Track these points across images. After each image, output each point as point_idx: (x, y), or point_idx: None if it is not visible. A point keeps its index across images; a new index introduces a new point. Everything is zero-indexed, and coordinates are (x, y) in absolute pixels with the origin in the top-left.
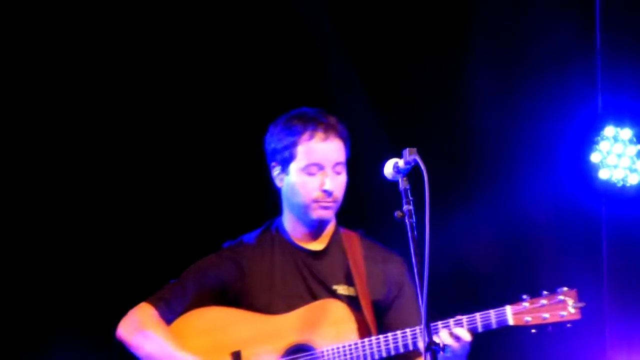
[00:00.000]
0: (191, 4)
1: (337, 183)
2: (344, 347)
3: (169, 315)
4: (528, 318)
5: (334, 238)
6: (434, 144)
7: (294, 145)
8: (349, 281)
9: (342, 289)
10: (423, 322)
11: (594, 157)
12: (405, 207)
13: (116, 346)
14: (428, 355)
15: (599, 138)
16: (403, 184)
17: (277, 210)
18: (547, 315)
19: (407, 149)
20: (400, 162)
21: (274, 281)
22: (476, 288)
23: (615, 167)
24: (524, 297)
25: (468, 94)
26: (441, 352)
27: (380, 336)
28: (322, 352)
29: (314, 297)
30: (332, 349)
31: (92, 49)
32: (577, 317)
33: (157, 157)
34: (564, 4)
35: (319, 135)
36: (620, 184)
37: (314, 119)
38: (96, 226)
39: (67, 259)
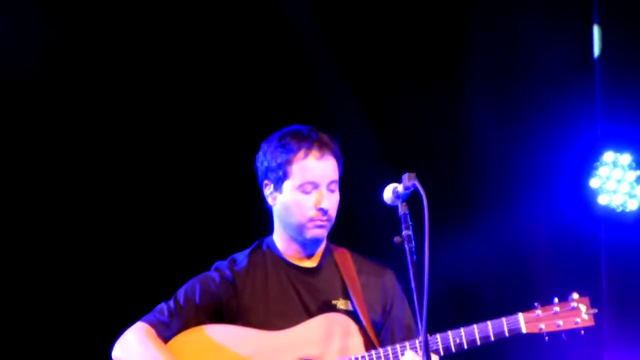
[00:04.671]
0: (184, 15)
1: (332, 201)
2: (350, 358)
3: (166, 333)
4: (542, 325)
5: (326, 255)
6: (433, 169)
7: (288, 163)
8: (346, 296)
9: (340, 304)
10: (423, 345)
11: (594, 183)
12: (404, 232)
13: None
14: None
15: (598, 163)
16: (402, 209)
17: (265, 229)
18: (561, 322)
19: (407, 174)
20: (400, 187)
21: (269, 299)
22: (475, 312)
23: (615, 192)
24: (536, 304)
25: (467, 120)
26: None
27: (389, 347)
28: None
29: (311, 314)
30: None
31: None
32: (591, 323)
33: (143, 174)
34: (563, 31)
35: (314, 153)
36: (619, 210)
37: (309, 137)
38: (84, 244)
39: (49, 283)
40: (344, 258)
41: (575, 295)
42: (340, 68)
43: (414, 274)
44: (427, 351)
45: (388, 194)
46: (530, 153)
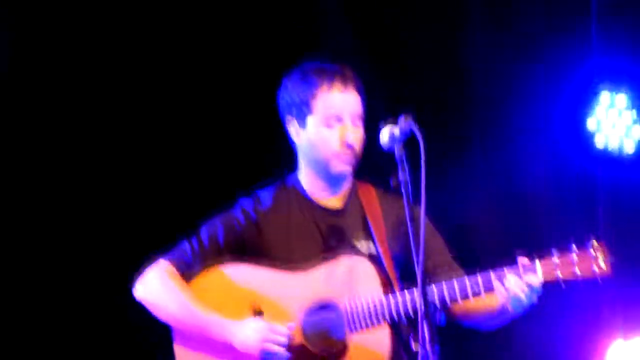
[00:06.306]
0: None
1: (357, 136)
2: (368, 303)
3: (189, 272)
4: (558, 273)
5: (352, 193)
6: (429, 108)
7: (311, 97)
8: (368, 237)
9: (362, 246)
10: (419, 289)
11: (590, 124)
12: (401, 176)
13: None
14: (425, 323)
15: (594, 105)
16: (399, 151)
17: (290, 165)
18: (577, 270)
19: (403, 115)
20: (396, 131)
21: (291, 238)
22: (473, 252)
23: (611, 133)
24: (553, 251)
25: (463, 58)
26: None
27: (406, 292)
28: (346, 308)
29: (334, 255)
30: (356, 306)
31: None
32: (608, 272)
33: (168, 108)
34: None
35: (338, 86)
36: (616, 151)
37: (332, 71)
38: (108, 184)
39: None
40: (369, 195)
41: (594, 243)
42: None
43: (410, 216)
44: (424, 298)
45: (385, 137)
46: (526, 93)
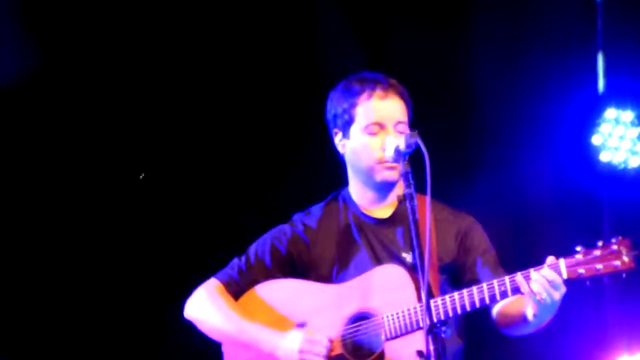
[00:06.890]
0: None
1: None
2: (403, 312)
3: (237, 289)
4: (581, 270)
5: (402, 203)
6: (435, 125)
7: (353, 106)
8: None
9: (409, 256)
10: (424, 303)
11: (595, 140)
12: (406, 191)
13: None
14: (430, 337)
15: (600, 120)
16: (404, 167)
17: (342, 182)
18: (600, 266)
19: (409, 131)
20: (402, 145)
21: (341, 252)
22: None
23: (617, 149)
24: (577, 249)
25: (469, 75)
26: (442, 335)
27: (438, 299)
28: (384, 318)
29: (379, 265)
30: (393, 315)
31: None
32: (631, 265)
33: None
34: None
35: (378, 93)
36: (621, 167)
37: (373, 80)
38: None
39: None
40: (421, 206)
41: (618, 238)
42: (342, 9)
43: (415, 231)
44: (429, 312)
45: (390, 151)
46: (531, 110)
